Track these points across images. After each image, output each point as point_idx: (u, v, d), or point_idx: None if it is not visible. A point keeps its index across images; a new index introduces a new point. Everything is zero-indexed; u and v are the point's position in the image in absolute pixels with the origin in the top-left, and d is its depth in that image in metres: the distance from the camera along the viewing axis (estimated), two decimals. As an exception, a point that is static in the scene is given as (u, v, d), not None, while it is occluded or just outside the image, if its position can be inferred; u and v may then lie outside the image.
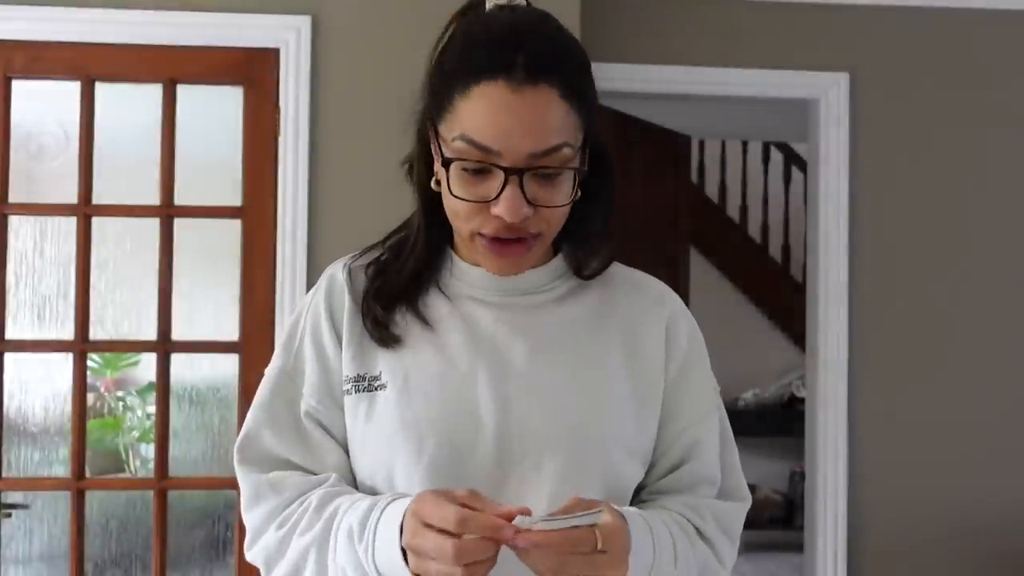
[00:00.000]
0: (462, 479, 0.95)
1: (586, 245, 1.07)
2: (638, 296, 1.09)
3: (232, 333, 2.49)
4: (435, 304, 1.04)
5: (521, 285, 1.05)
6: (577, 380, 1.01)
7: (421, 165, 1.03)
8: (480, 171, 0.93)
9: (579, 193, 0.99)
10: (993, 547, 3.11)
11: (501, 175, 0.92)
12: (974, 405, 3.12)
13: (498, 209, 0.92)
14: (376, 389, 1.01)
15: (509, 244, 0.96)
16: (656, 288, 1.11)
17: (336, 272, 1.08)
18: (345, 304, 1.04)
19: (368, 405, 1.01)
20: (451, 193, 0.95)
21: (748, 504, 1.11)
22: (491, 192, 0.93)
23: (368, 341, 1.03)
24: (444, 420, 0.98)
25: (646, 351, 1.05)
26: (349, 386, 1.02)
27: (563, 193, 0.96)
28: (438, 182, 0.99)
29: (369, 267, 1.07)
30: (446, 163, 0.95)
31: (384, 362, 1.01)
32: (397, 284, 1.04)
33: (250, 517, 1.03)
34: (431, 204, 1.03)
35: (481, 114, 0.92)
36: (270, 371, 1.08)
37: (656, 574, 0.94)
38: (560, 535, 0.82)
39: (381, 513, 0.91)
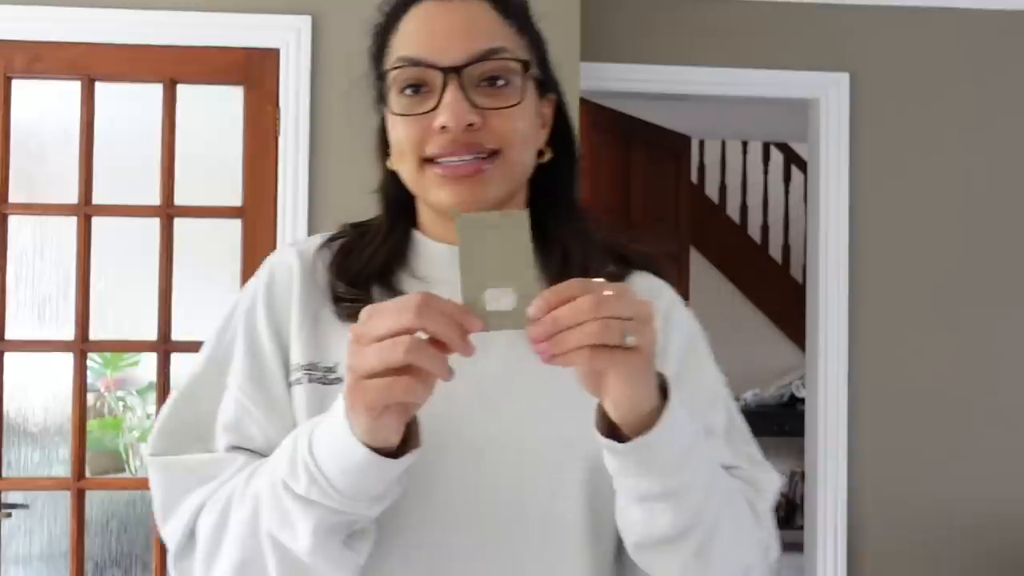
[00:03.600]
0: (434, 487, 0.86)
1: (562, 244, 0.97)
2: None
3: (232, 333, 2.49)
4: (408, 291, 0.92)
5: None
6: (559, 379, 0.83)
7: (381, 148, 0.98)
8: (419, 89, 0.89)
9: (548, 154, 0.96)
10: (993, 546, 3.11)
11: (440, 83, 0.87)
12: (974, 405, 3.12)
13: (441, 117, 0.86)
14: (331, 383, 0.89)
15: (463, 166, 0.88)
16: (647, 280, 1.02)
17: (284, 255, 0.98)
18: (294, 287, 0.94)
19: (320, 400, 0.88)
20: (394, 114, 0.90)
21: (768, 498, 0.95)
22: (433, 106, 0.87)
23: (324, 327, 0.92)
24: None
25: None
26: (300, 374, 0.90)
27: (511, 99, 0.89)
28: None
29: (334, 241, 0.99)
30: (386, 88, 0.90)
31: (340, 352, 0.87)
32: (370, 263, 0.95)
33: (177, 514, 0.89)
34: (394, 187, 0.97)
35: (411, 32, 0.90)
36: (196, 361, 0.96)
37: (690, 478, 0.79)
38: (574, 286, 0.70)
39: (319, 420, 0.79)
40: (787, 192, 6.17)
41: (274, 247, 2.45)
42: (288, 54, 2.47)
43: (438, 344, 0.69)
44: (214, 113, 2.61)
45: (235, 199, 2.49)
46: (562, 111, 1.00)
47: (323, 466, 0.75)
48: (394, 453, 0.75)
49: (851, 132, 3.13)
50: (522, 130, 0.91)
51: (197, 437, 0.92)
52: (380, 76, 0.93)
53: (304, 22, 2.48)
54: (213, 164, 2.59)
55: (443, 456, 0.86)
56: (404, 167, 0.92)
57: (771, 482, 0.96)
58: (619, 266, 1.01)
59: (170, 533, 0.89)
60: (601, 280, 0.70)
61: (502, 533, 0.87)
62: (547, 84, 0.97)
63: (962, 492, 3.11)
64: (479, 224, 0.72)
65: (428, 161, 0.89)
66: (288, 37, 2.47)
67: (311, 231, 2.46)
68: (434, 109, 0.87)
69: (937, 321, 3.14)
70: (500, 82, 0.89)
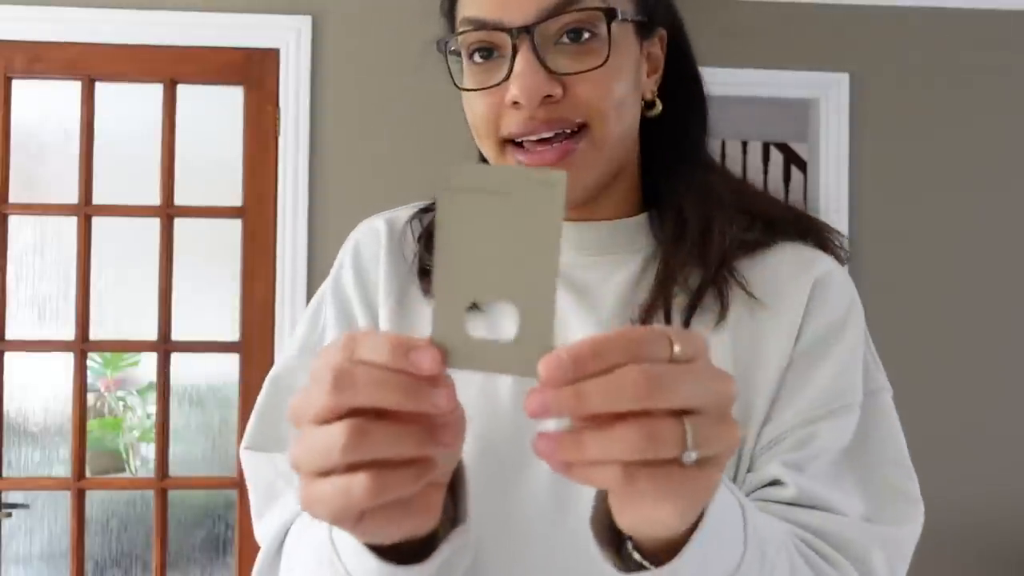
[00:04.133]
0: (510, 493, 0.73)
1: (675, 203, 0.79)
2: (765, 268, 0.77)
3: (232, 333, 2.49)
4: None
5: (583, 238, 0.79)
6: None
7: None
8: (491, 54, 0.73)
9: (659, 107, 0.79)
10: (993, 545, 3.11)
11: (509, 47, 0.71)
12: (974, 404, 3.12)
13: (512, 91, 0.71)
14: None
15: (547, 152, 0.72)
16: (797, 252, 0.80)
17: (372, 222, 0.87)
18: (381, 255, 0.83)
19: None
20: (460, 88, 0.76)
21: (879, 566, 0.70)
22: (504, 76, 0.72)
23: (412, 305, 0.81)
24: (489, 415, 0.73)
25: (766, 352, 0.74)
26: None
27: (598, 56, 0.71)
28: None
29: (427, 212, 0.86)
30: (454, 54, 0.76)
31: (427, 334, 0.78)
32: None
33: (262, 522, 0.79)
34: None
35: None
36: (288, 347, 0.86)
37: None
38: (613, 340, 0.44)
39: None
40: (787, 192, 6.16)
41: (274, 247, 2.45)
42: (288, 54, 2.47)
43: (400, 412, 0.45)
44: (214, 113, 2.61)
45: (235, 199, 2.49)
46: (679, 47, 0.84)
47: (347, 563, 0.57)
48: (434, 533, 0.55)
49: (851, 132, 3.13)
50: (617, 93, 0.73)
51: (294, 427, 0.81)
52: (444, 43, 0.77)
53: (304, 22, 2.48)
54: (213, 164, 2.59)
55: (521, 473, 0.73)
56: (484, 149, 0.77)
57: (888, 540, 0.71)
58: (764, 233, 0.80)
59: (260, 536, 0.80)
60: (664, 329, 0.45)
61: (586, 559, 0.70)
62: (652, 21, 0.79)
63: (962, 491, 3.11)
64: (475, 190, 0.45)
65: (509, 142, 0.74)
66: (288, 37, 2.47)
67: (311, 231, 2.46)
68: (506, 80, 0.71)
69: (937, 320, 3.14)
70: (586, 35, 0.71)
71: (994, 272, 3.16)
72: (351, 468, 0.45)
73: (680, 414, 0.43)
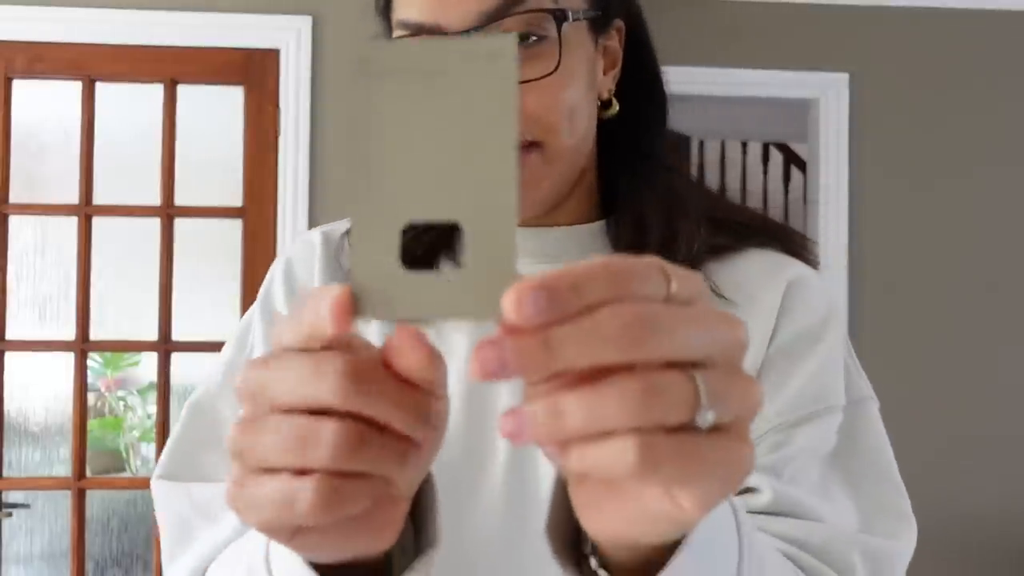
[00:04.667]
0: (462, 504, 0.68)
1: (635, 207, 0.73)
2: (735, 271, 0.73)
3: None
4: None
5: (536, 245, 0.73)
6: None
7: None
8: None
9: (615, 107, 0.73)
10: (993, 546, 3.11)
11: None
12: (974, 404, 3.13)
13: None
14: None
15: None
16: (765, 257, 0.74)
17: (307, 235, 0.82)
18: (316, 266, 0.78)
19: None
20: None
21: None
22: None
23: None
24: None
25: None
26: None
27: (548, 62, 0.65)
28: None
29: None
30: None
31: None
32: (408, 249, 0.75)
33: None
34: None
35: None
36: (215, 369, 0.79)
37: None
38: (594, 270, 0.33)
39: None
40: (787, 192, 6.17)
41: (274, 247, 2.46)
42: (288, 54, 2.47)
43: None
44: (214, 113, 2.61)
45: (235, 199, 2.49)
46: (638, 38, 0.76)
47: None
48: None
49: (851, 132, 3.13)
50: (569, 103, 0.67)
51: (216, 453, 0.75)
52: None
53: (304, 22, 2.48)
54: (213, 164, 2.59)
55: (474, 480, 0.68)
56: None
57: (875, 550, 0.66)
58: (732, 238, 0.74)
59: None
60: (657, 261, 0.34)
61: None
62: (607, 13, 0.72)
63: (962, 491, 3.11)
64: (398, 72, 0.34)
65: None
66: (288, 37, 2.47)
67: (311, 231, 2.46)
68: None
69: (937, 320, 3.14)
70: (532, 38, 0.65)
71: (994, 271, 3.16)
72: (301, 471, 0.35)
73: (681, 367, 0.33)
